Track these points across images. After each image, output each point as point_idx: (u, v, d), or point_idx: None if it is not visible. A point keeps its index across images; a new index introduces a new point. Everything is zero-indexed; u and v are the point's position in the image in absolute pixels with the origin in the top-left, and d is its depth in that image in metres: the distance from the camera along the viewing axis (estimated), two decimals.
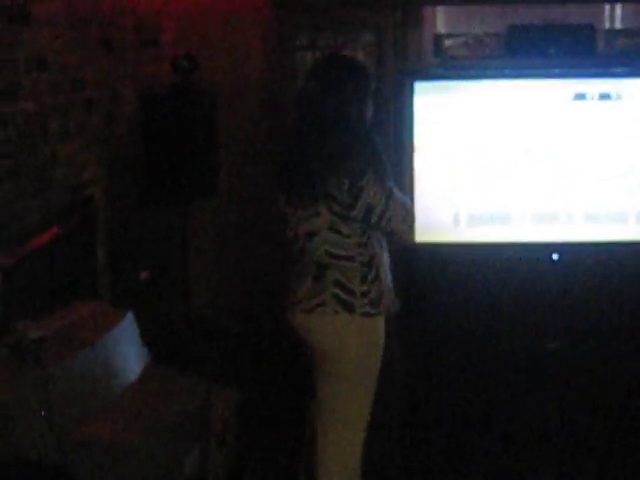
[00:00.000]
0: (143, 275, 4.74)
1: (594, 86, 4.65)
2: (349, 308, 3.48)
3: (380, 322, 3.58)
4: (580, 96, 4.65)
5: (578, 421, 4.68)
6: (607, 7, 5.16)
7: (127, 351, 3.58)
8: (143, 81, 4.82)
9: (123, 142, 4.69)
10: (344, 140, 3.41)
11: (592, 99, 4.66)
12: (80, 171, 4.26)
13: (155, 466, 3.17)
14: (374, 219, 3.41)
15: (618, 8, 5.17)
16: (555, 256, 4.73)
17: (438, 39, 4.95)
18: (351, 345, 3.52)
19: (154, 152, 4.45)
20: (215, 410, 3.79)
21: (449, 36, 4.95)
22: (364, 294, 3.48)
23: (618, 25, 5.20)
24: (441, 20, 5.23)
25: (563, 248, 4.72)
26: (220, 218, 5.19)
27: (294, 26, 4.92)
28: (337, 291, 3.47)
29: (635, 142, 4.64)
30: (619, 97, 4.65)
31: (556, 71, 4.70)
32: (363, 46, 4.95)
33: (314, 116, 3.47)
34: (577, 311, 4.75)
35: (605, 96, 4.65)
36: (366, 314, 3.49)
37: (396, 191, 3.48)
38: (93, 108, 4.38)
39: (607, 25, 5.19)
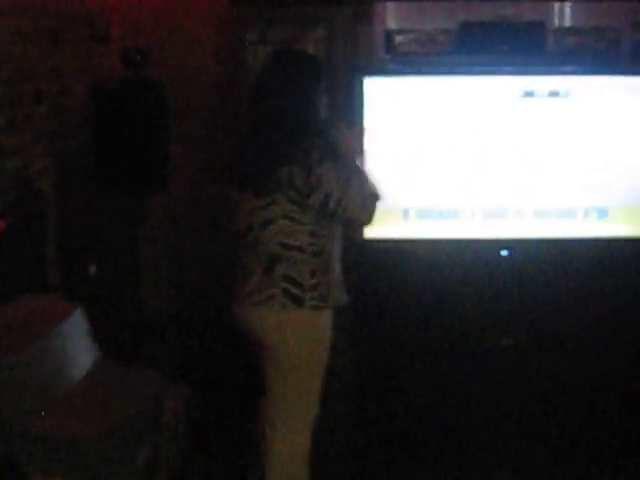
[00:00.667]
0: (91, 270, 4.72)
1: (543, 83, 4.68)
2: (298, 302, 3.49)
3: (328, 315, 3.61)
4: (529, 93, 4.68)
5: (531, 417, 4.73)
6: (557, 5, 5.18)
7: (77, 345, 3.56)
8: (93, 74, 4.78)
9: (73, 135, 4.65)
10: (297, 130, 3.43)
11: (541, 96, 4.69)
12: (29, 163, 4.22)
13: (106, 460, 3.15)
14: (331, 206, 3.44)
15: (568, 6, 5.20)
16: (504, 252, 4.76)
17: (389, 35, 4.96)
18: (299, 338, 3.54)
19: (104, 145, 4.42)
20: (167, 404, 3.79)
21: (400, 32, 4.95)
22: (313, 287, 3.50)
23: (568, 23, 5.24)
24: (392, 16, 5.23)
25: (512, 244, 4.75)
26: (171, 211, 5.16)
27: (246, 20, 4.89)
28: (286, 285, 3.49)
29: (582, 139, 4.68)
30: (567, 94, 4.69)
31: (506, 68, 4.72)
32: (314, 41, 4.94)
33: (267, 108, 3.49)
34: (528, 307, 4.78)
35: (554, 93, 4.68)
36: (315, 307, 3.52)
37: (358, 176, 3.50)
38: (42, 100, 4.34)
39: (557, 23, 5.22)
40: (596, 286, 4.79)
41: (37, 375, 3.26)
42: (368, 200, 3.53)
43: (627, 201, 4.72)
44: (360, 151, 3.74)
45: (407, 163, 4.71)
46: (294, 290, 3.49)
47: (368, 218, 3.61)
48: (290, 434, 3.66)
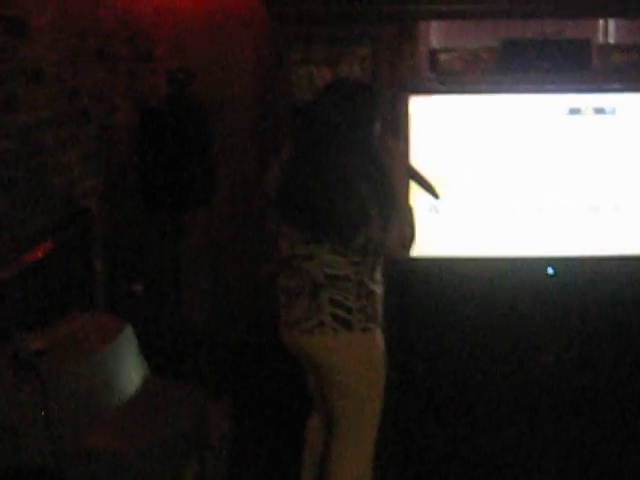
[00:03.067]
0: (135, 287, 4.74)
1: (589, 100, 4.66)
2: (348, 325, 3.49)
3: (378, 335, 3.60)
4: (575, 110, 4.66)
5: (572, 434, 4.69)
6: (602, 22, 5.17)
7: (127, 362, 3.57)
8: (138, 93, 4.82)
9: (119, 153, 4.68)
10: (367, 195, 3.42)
11: (586, 113, 4.67)
12: (76, 182, 4.25)
13: (152, 477, 3.15)
14: (371, 249, 3.45)
15: (612, 23, 5.19)
16: (550, 270, 4.73)
17: (433, 53, 4.96)
18: (353, 361, 3.54)
19: (149, 163, 4.45)
20: (212, 423, 3.79)
21: (444, 50, 4.96)
22: (360, 310, 3.50)
23: (612, 40, 5.23)
24: (436, 34, 5.25)
25: (557, 262, 4.72)
26: (214, 229, 5.18)
27: (288, 39, 4.91)
28: (334, 310, 3.49)
29: (628, 155, 4.65)
30: (613, 111, 4.66)
31: (550, 86, 4.71)
32: (358, 60, 4.95)
33: (327, 140, 3.47)
34: (571, 325, 4.75)
35: (599, 110, 4.66)
36: (364, 329, 3.51)
37: (398, 211, 3.49)
38: (89, 119, 4.38)
39: (601, 40, 5.21)
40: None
41: (87, 393, 3.27)
42: (407, 239, 3.51)
43: None
44: (406, 168, 3.70)
45: (452, 181, 4.70)
46: (342, 314, 3.49)
47: (406, 254, 3.62)
48: (356, 455, 3.66)
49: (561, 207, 4.70)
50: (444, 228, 4.74)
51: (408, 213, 3.55)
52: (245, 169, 5.12)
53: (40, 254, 3.79)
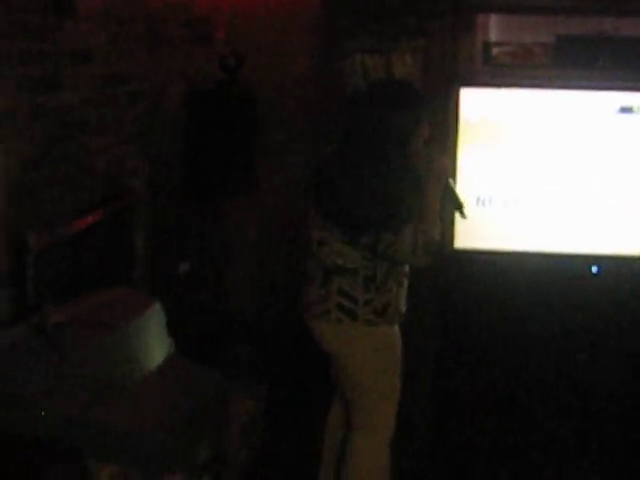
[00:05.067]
0: (182, 267, 4.81)
1: None
2: (352, 316, 3.52)
3: (387, 331, 3.63)
4: (627, 109, 4.60)
5: (603, 432, 4.65)
6: None
7: (151, 339, 3.63)
8: (191, 77, 4.88)
9: (167, 136, 4.75)
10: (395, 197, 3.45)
11: (639, 112, 4.60)
12: (122, 162, 4.33)
13: (165, 454, 3.21)
14: (380, 249, 3.46)
15: None
16: (594, 268, 4.68)
17: (486, 47, 4.94)
18: (356, 352, 3.58)
19: (196, 147, 4.52)
20: (235, 403, 3.85)
21: (498, 44, 4.94)
22: (367, 302, 3.52)
23: None
24: (493, 27, 5.21)
25: (602, 260, 4.67)
26: (260, 215, 5.22)
27: (343, 29, 4.93)
28: (341, 299, 3.53)
29: None
30: None
31: (603, 83, 4.65)
32: (412, 51, 4.94)
33: (373, 152, 3.50)
34: (608, 324, 4.70)
35: None
36: (369, 322, 3.53)
37: (420, 221, 3.49)
38: (137, 101, 4.45)
39: None
40: None
41: (106, 366, 3.34)
42: (421, 248, 3.50)
43: None
44: (444, 181, 3.68)
45: (500, 174, 4.68)
46: (348, 304, 3.53)
47: (419, 264, 3.62)
48: (371, 447, 3.69)
49: (609, 205, 4.64)
50: (491, 221, 4.72)
51: (433, 226, 3.53)
52: (294, 158, 5.14)
53: (81, 227, 3.88)
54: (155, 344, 3.64)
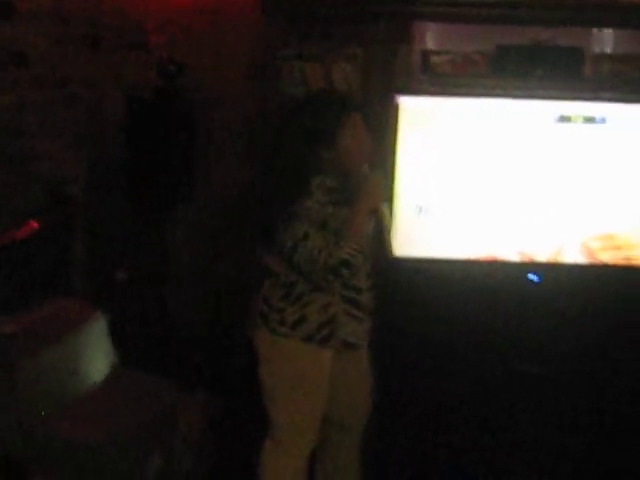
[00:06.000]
0: (119, 275, 4.73)
1: (579, 109, 4.64)
2: (265, 321, 3.49)
3: (300, 348, 3.50)
4: (564, 118, 4.65)
5: (546, 441, 4.68)
6: (596, 32, 5.16)
7: (94, 350, 3.57)
8: (129, 82, 4.81)
9: (106, 142, 4.67)
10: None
11: (576, 122, 4.65)
12: (60, 168, 4.25)
13: (114, 466, 3.15)
14: (285, 253, 3.39)
15: (608, 33, 5.17)
16: (533, 276, 4.72)
17: (425, 55, 4.95)
18: (264, 360, 3.54)
19: (136, 154, 4.45)
20: (184, 414, 3.78)
21: (437, 52, 4.94)
22: (279, 311, 3.47)
23: (608, 50, 5.21)
24: (431, 36, 5.23)
25: (541, 268, 4.71)
26: (199, 222, 5.17)
27: (281, 35, 4.90)
28: (261, 305, 3.50)
29: (616, 165, 4.64)
30: (604, 121, 4.65)
31: (542, 92, 4.70)
32: (350, 59, 4.93)
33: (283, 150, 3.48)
34: (553, 334, 4.74)
35: (590, 119, 4.65)
36: (273, 330, 3.48)
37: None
38: (76, 105, 4.37)
39: (597, 49, 5.19)
40: (623, 315, 4.74)
41: (54, 379, 3.27)
42: (322, 262, 3.36)
43: None
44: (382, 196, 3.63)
45: (439, 184, 4.69)
46: (265, 310, 3.49)
47: (317, 280, 3.43)
48: (278, 453, 3.63)
49: (548, 214, 4.68)
50: (430, 230, 4.73)
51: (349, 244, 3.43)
52: (234, 165, 5.10)
53: (21, 235, 3.79)
54: (99, 354, 3.58)
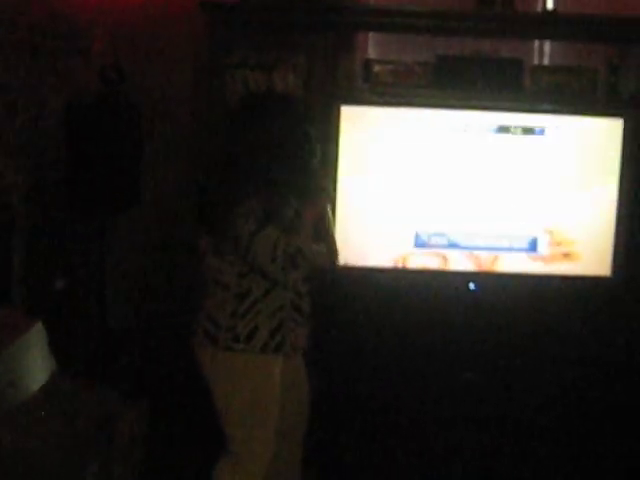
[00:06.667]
0: (58, 284, 4.71)
1: (518, 120, 4.71)
2: (213, 341, 3.46)
3: (249, 360, 3.48)
4: (503, 129, 4.71)
5: (491, 451, 4.73)
6: (537, 43, 5.23)
7: (33, 360, 3.54)
8: (71, 89, 4.78)
9: (47, 151, 4.65)
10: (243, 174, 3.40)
11: (515, 133, 4.71)
12: None
13: (50, 475, 3.13)
14: (241, 249, 3.35)
15: (547, 45, 5.25)
16: (472, 285, 4.78)
17: (368, 64, 4.99)
18: (217, 381, 3.51)
19: (76, 162, 4.43)
20: (122, 423, 3.77)
21: (379, 62, 4.98)
22: (229, 329, 3.43)
23: (547, 61, 5.29)
24: (373, 46, 5.28)
25: (479, 278, 4.77)
26: (141, 231, 5.16)
27: (224, 43, 4.90)
28: (206, 324, 3.46)
29: (553, 176, 4.71)
30: (542, 132, 4.72)
31: (481, 103, 4.76)
32: (293, 67, 4.95)
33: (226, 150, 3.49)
34: (491, 341, 4.80)
35: (528, 130, 4.71)
36: (228, 348, 3.45)
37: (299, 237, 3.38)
38: (17, 113, 4.34)
39: (537, 60, 5.27)
40: (560, 323, 4.82)
41: None
42: (281, 257, 3.33)
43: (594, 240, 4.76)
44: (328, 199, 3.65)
45: (378, 192, 4.73)
46: (212, 329, 3.46)
47: (277, 276, 3.40)
48: (235, 469, 3.60)
49: (487, 223, 4.74)
50: (368, 238, 4.76)
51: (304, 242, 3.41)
52: (177, 172, 5.10)
53: None
54: (38, 364, 3.56)
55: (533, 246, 4.75)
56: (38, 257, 4.56)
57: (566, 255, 4.77)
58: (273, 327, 3.48)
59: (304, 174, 3.52)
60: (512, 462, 4.66)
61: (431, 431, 4.74)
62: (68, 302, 4.73)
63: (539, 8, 5.16)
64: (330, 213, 3.64)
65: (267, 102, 3.60)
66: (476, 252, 4.76)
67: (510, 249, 4.75)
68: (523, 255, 4.77)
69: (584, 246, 4.77)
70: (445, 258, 4.77)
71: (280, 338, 3.50)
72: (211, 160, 3.63)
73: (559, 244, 4.76)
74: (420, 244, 4.76)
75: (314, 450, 4.25)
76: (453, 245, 4.75)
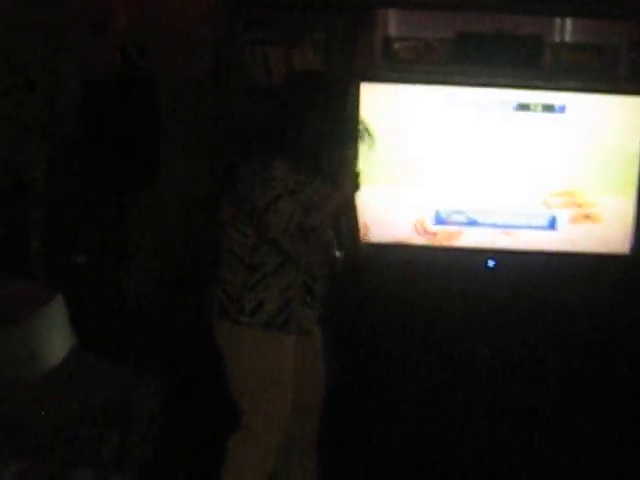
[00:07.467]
0: (79, 259, 4.73)
1: (538, 97, 4.69)
2: (225, 313, 3.47)
3: (258, 335, 3.49)
4: (523, 106, 4.69)
5: (504, 428, 4.73)
6: (558, 20, 5.20)
7: (52, 333, 3.55)
8: (90, 66, 4.79)
9: (65, 126, 4.66)
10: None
11: (535, 110, 4.69)
12: (19, 153, 4.23)
13: (67, 450, 3.14)
14: (255, 221, 3.37)
15: (569, 22, 5.21)
16: (491, 262, 4.77)
17: (387, 42, 4.97)
18: (228, 353, 3.52)
19: (95, 138, 4.43)
20: (140, 398, 3.78)
21: (398, 39, 4.97)
22: (237, 300, 3.44)
23: (568, 38, 5.25)
24: (393, 23, 5.25)
25: (498, 255, 4.76)
26: (160, 208, 5.16)
27: (245, 20, 4.90)
28: (221, 295, 3.48)
29: (573, 154, 4.69)
30: (563, 110, 4.69)
31: (501, 80, 4.74)
32: (313, 44, 4.95)
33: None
34: (507, 318, 4.79)
35: (549, 108, 4.69)
36: (236, 321, 3.47)
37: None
38: (35, 90, 4.35)
39: (557, 38, 5.23)
40: (578, 300, 4.81)
41: (9, 362, 3.26)
42: (292, 229, 3.35)
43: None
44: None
45: (399, 169, 4.72)
46: (225, 301, 3.47)
47: (289, 248, 3.41)
48: (247, 440, 3.62)
49: (507, 202, 4.73)
50: (388, 215, 4.76)
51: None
52: (196, 150, 5.10)
53: None
54: (58, 338, 3.56)
55: (552, 224, 4.73)
56: (59, 233, 4.57)
57: (587, 216, 4.73)
58: (280, 304, 3.47)
59: (341, 161, 3.52)
60: (525, 442, 4.67)
61: (445, 406, 4.75)
62: (88, 278, 4.74)
63: None
64: (358, 208, 3.63)
65: (327, 85, 3.54)
66: (495, 229, 4.75)
67: (529, 226, 4.74)
68: (542, 232, 4.75)
69: (604, 209, 4.73)
70: (464, 235, 4.76)
71: (286, 315, 3.48)
72: (242, 135, 3.63)
73: (580, 206, 4.73)
74: (439, 221, 4.75)
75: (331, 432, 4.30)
76: (472, 222, 4.74)
